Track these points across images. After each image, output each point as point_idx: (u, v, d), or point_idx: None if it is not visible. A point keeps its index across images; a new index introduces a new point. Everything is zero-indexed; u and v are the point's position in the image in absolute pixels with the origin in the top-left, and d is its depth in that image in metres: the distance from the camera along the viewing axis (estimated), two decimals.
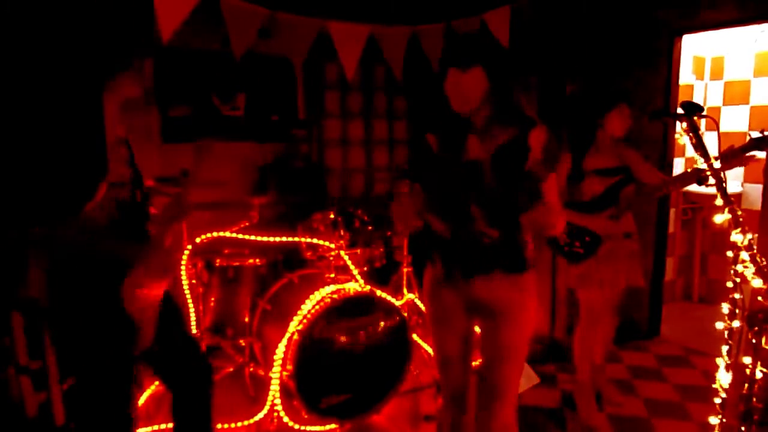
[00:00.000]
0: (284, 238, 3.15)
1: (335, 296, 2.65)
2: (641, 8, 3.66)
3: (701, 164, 1.72)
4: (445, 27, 3.41)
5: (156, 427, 2.59)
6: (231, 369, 3.10)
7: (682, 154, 4.54)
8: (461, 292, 1.83)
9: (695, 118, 1.71)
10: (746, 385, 1.70)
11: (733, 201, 1.69)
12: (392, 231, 3.25)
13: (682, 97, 3.22)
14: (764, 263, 1.64)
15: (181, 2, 2.56)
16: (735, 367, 1.81)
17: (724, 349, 1.82)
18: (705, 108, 3.15)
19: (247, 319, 3.10)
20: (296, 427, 2.65)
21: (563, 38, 3.77)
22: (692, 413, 2.89)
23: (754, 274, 1.64)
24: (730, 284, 1.76)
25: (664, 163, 3.68)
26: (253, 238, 3.11)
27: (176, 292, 2.89)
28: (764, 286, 1.62)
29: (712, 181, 1.70)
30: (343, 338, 2.66)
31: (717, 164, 1.70)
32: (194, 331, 3.02)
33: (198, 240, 3.02)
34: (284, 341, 2.57)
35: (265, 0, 2.91)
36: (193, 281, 3.03)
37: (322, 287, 2.71)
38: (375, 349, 2.73)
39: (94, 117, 1.60)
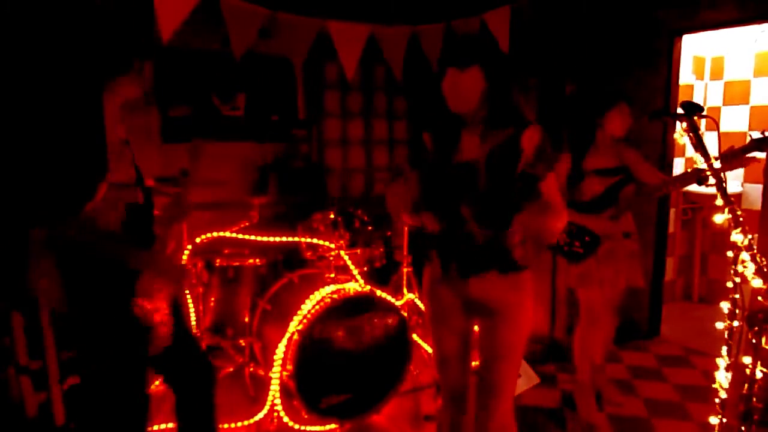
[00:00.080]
0: (284, 238, 3.15)
1: (335, 296, 2.65)
2: (641, 8, 3.66)
3: (701, 164, 1.72)
4: (445, 27, 3.41)
5: (156, 428, 2.59)
6: (231, 369, 3.10)
7: (682, 154, 4.54)
8: (458, 291, 1.84)
9: (695, 118, 1.71)
10: (746, 385, 1.69)
11: (733, 201, 1.69)
12: (389, 223, 3.23)
13: (682, 97, 3.23)
14: (764, 263, 1.63)
15: (181, 2, 2.56)
16: (735, 367, 1.81)
17: (724, 349, 1.83)
18: (705, 108, 3.15)
19: (247, 319, 3.10)
20: (296, 427, 2.65)
21: (563, 38, 3.77)
22: (692, 413, 2.89)
23: (754, 274, 1.64)
24: (730, 284, 1.76)
25: (664, 163, 3.68)
26: (253, 238, 3.11)
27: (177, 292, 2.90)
28: (764, 286, 1.61)
29: (712, 181, 1.70)
30: (343, 338, 2.66)
31: (717, 164, 1.70)
32: (194, 331, 3.02)
33: (198, 240, 3.02)
34: (284, 341, 2.57)
35: (265, 0, 2.91)
36: (193, 281, 3.03)
37: (322, 287, 2.71)
38: (375, 349, 2.73)
39: (94, 118, 1.60)
